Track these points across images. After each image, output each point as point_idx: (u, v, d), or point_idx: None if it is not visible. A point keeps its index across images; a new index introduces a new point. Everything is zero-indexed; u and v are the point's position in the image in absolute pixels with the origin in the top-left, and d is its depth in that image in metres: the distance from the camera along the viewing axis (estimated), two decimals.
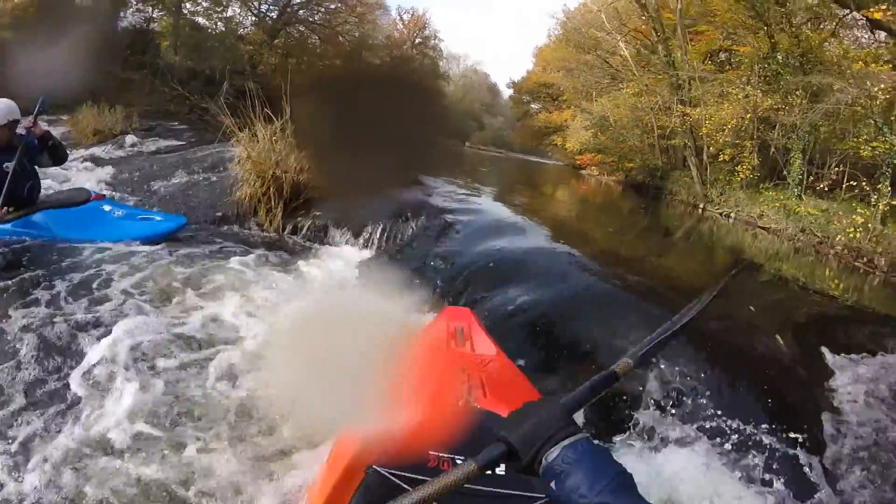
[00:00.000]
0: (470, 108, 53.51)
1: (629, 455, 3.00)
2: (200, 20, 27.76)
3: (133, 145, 11.65)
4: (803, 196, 14.15)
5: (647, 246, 9.28)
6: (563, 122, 35.41)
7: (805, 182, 14.40)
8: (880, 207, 11.50)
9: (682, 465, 2.90)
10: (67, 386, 3.00)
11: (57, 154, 5.20)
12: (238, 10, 28.96)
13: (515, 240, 6.01)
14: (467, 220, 6.55)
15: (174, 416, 2.87)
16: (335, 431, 2.28)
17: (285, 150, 6.32)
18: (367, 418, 1.63)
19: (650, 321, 4.01)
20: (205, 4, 27.06)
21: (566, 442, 1.06)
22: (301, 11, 30.69)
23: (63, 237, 5.03)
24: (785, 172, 14.99)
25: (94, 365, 3.17)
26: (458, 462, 1.67)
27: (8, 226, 4.81)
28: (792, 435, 3.12)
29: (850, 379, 3.64)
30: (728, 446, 3.02)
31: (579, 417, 3.18)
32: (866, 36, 15.03)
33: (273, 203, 6.24)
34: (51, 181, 7.04)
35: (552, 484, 1.04)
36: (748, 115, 15.59)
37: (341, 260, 5.76)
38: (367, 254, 6.00)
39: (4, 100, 4.71)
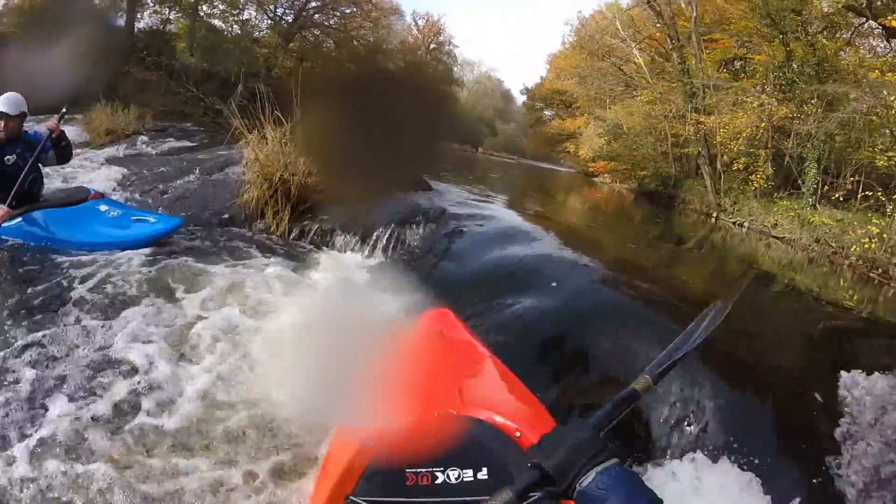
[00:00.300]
0: (483, 113, 53.56)
1: (640, 474, 2.95)
2: (216, 22, 27.94)
3: (145, 146, 11.68)
4: (818, 206, 14.05)
5: (658, 255, 9.20)
6: (576, 129, 35.37)
7: (820, 192, 14.31)
8: None
9: (693, 484, 2.84)
10: (58, 389, 2.98)
11: (64, 153, 5.31)
12: (254, 13, 29.13)
13: (525, 247, 5.93)
14: (477, 227, 6.50)
15: (167, 420, 2.85)
16: (330, 432, 2.32)
17: (294, 153, 6.29)
18: (361, 418, 1.67)
19: (660, 332, 3.95)
20: (221, 7, 27.21)
21: (600, 467, 1.05)
22: (316, 15, 30.82)
23: (56, 239, 4.98)
24: (799, 182, 14.89)
25: (82, 368, 3.16)
26: (438, 475, 1.77)
27: (4, 224, 4.80)
28: (805, 452, 3.06)
29: (864, 394, 3.57)
30: (740, 465, 2.95)
31: None
32: (882, 45, 14.94)
33: (280, 206, 6.20)
34: (59, 179, 7.06)
35: None
36: (763, 124, 15.52)
37: (347, 265, 5.71)
38: (373, 259, 5.95)
39: (15, 93, 4.85)
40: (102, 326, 3.64)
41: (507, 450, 1.90)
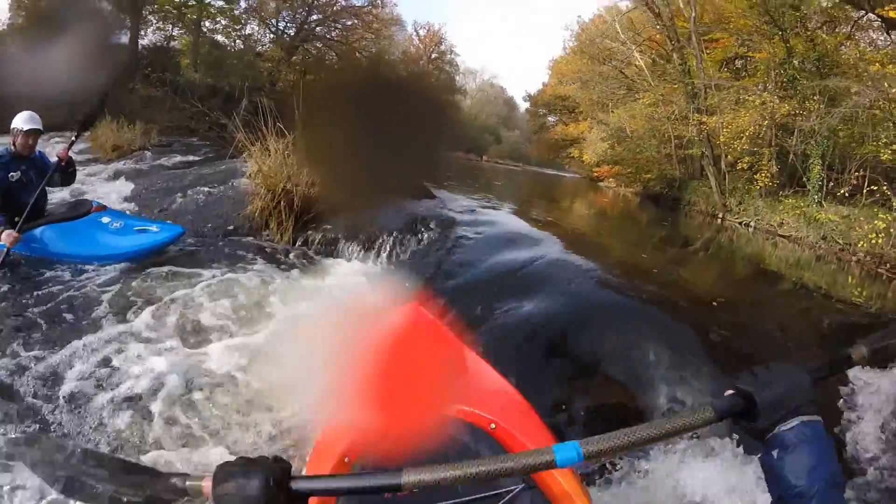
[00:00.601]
0: (487, 121, 53.61)
1: (651, 474, 2.93)
2: (220, 38, 28.21)
3: (150, 160, 11.80)
4: (823, 203, 13.97)
5: (665, 257, 9.18)
6: (579, 134, 35.33)
7: (825, 188, 14.23)
8: None
9: (703, 484, 2.82)
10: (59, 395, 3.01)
11: (69, 177, 5.49)
12: (256, 28, 29.40)
13: (528, 252, 5.95)
14: (480, 234, 6.52)
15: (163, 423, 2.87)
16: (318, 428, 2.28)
17: (297, 163, 6.33)
18: (347, 416, 1.63)
19: (666, 334, 3.95)
20: (224, 22, 27.48)
21: (806, 418, 1.01)
22: (318, 28, 30.99)
23: (61, 252, 5.07)
24: (804, 179, 14.83)
25: (83, 379, 3.19)
26: None
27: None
28: None
29: (874, 391, 3.54)
30: (749, 466, 2.93)
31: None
32: (882, 37, 14.87)
33: (284, 216, 6.23)
34: (66, 191, 7.12)
35: (773, 452, 1.01)
36: (765, 122, 15.47)
37: (350, 272, 5.74)
38: (376, 267, 5.98)
39: (30, 112, 5.01)
40: (105, 335, 3.70)
41: (482, 444, 1.93)
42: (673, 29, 19.27)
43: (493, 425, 2.00)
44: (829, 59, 14.85)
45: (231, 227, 6.40)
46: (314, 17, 30.35)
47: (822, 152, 14.26)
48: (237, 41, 28.67)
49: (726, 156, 17.46)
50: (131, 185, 8.76)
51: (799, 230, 13.95)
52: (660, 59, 23.29)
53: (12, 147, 5.02)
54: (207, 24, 27.07)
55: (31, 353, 3.41)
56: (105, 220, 5.37)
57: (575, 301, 4.61)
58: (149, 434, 2.82)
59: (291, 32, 30.10)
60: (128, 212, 6.83)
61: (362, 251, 6.12)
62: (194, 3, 25.77)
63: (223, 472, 0.93)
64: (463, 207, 7.87)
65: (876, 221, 11.46)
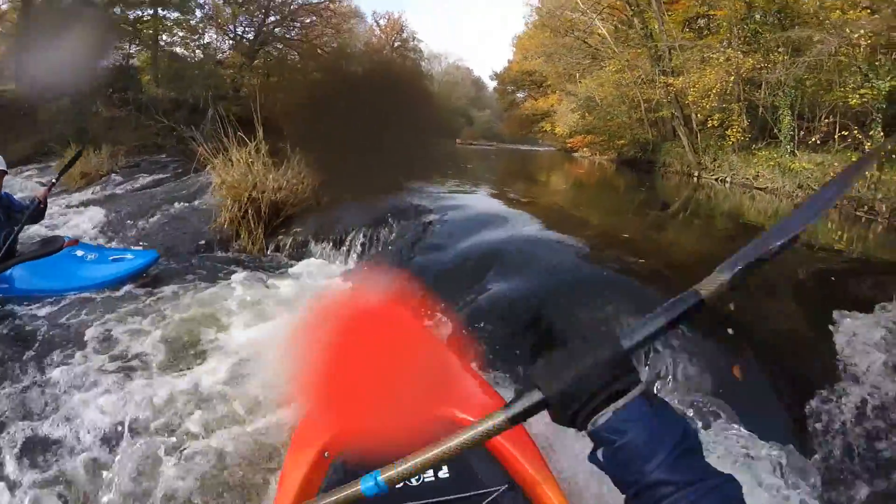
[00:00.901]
0: (456, 104, 53.42)
1: None
2: (179, 50, 27.83)
3: (118, 185, 11.67)
4: (796, 152, 14.04)
5: (644, 223, 9.19)
6: (549, 107, 35.43)
7: (797, 138, 14.29)
8: None
9: None
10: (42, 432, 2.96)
11: (38, 217, 5.45)
12: (215, 36, 29.11)
13: (502, 232, 5.88)
14: (453, 218, 6.45)
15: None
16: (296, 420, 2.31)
17: (262, 170, 6.27)
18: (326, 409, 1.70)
19: (647, 302, 3.91)
20: (181, 34, 27.13)
21: (620, 402, 0.84)
22: (277, 29, 30.74)
23: (37, 289, 5.01)
24: (776, 131, 14.90)
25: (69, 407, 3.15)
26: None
27: None
28: (800, 400, 3.04)
29: (858, 336, 3.54)
30: (729, 420, 2.92)
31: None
32: None
33: (253, 224, 6.18)
34: (38, 227, 7.03)
35: (599, 453, 0.87)
36: (732, 78, 15.50)
37: (323, 272, 5.70)
38: (348, 263, 5.94)
39: None
40: (87, 363, 3.64)
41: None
42: None
43: None
44: (790, 10, 14.86)
45: (203, 242, 6.34)
46: (272, 18, 30.12)
47: (790, 102, 14.33)
48: (196, 51, 28.42)
49: (696, 115, 17.57)
50: (102, 213, 8.64)
51: (774, 181, 14.03)
52: (622, 25, 23.24)
53: None
54: (164, 37, 26.74)
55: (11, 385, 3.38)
56: (79, 253, 5.34)
57: (552, 278, 4.54)
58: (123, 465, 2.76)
59: (250, 36, 29.88)
60: (101, 241, 6.77)
61: (333, 250, 6.07)
62: (149, 17, 25.44)
63: None
64: (434, 195, 7.77)
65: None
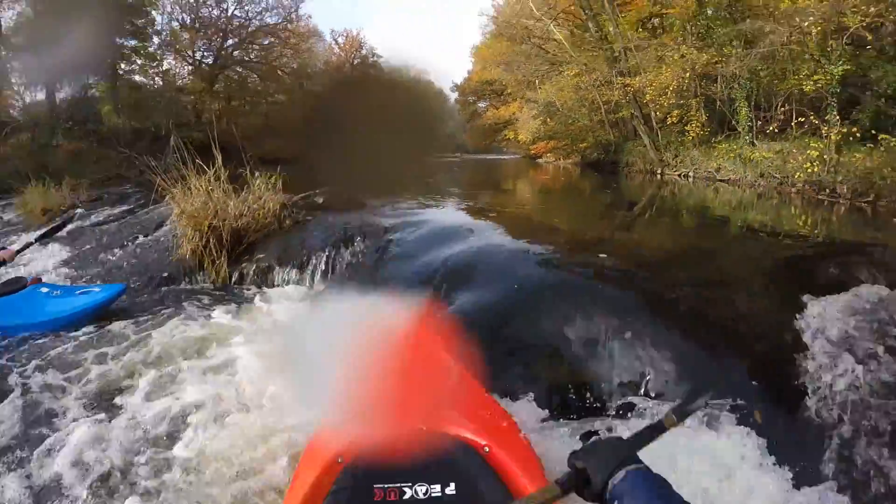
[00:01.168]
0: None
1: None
2: (138, 78, 27.37)
3: (80, 219, 11.41)
4: (756, 142, 14.29)
5: (609, 223, 9.23)
6: (511, 115, 35.61)
7: (755, 128, 14.55)
8: (832, 137, 11.58)
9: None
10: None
11: None
12: (173, 62, 28.76)
13: (468, 244, 5.83)
14: (416, 233, 6.39)
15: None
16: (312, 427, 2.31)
17: (222, 197, 6.17)
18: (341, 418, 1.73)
19: (617, 305, 3.91)
20: (139, 62, 26.70)
21: (632, 467, 1.16)
22: (236, 52, 30.60)
23: (2, 327, 4.85)
24: (734, 122, 15.14)
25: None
26: (406, 490, 1.82)
27: None
28: (774, 389, 3.05)
29: (822, 318, 3.56)
30: (706, 415, 2.90)
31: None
32: None
33: (216, 254, 6.06)
34: None
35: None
36: (688, 74, 15.73)
37: (288, 298, 5.61)
38: (313, 287, 5.87)
39: None
40: (56, 402, 3.54)
41: (474, 465, 1.97)
42: None
43: (486, 448, 2.03)
44: (741, 3, 15.14)
45: (166, 275, 6.21)
46: (230, 41, 30.01)
47: (746, 94, 14.59)
48: (156, 79, 28.01)
49: (655, 113, 17.82)
50: (66, 250, 8.44)
51: (736, 172, 14.29)
52: (577, 29, 23.49)
53: None
54: (123, 65, 26.30)
55: None
56: (44, 290, 5.22)
57: (519, 286, 4.48)
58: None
59: (210, 61, 29.65)
60: (64, 280, 6.61)
61: (297, 273, 5.98)
62: (105, 46, 25.03)
63: None
64: (396, 211, 7.71)
65: (809, 151, 11.76)
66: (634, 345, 3.42)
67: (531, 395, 3.32)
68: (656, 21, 21.32)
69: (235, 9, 29.73)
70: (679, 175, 16.68)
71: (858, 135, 11.41)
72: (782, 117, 14.10)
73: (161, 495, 2.68)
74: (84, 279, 6.64)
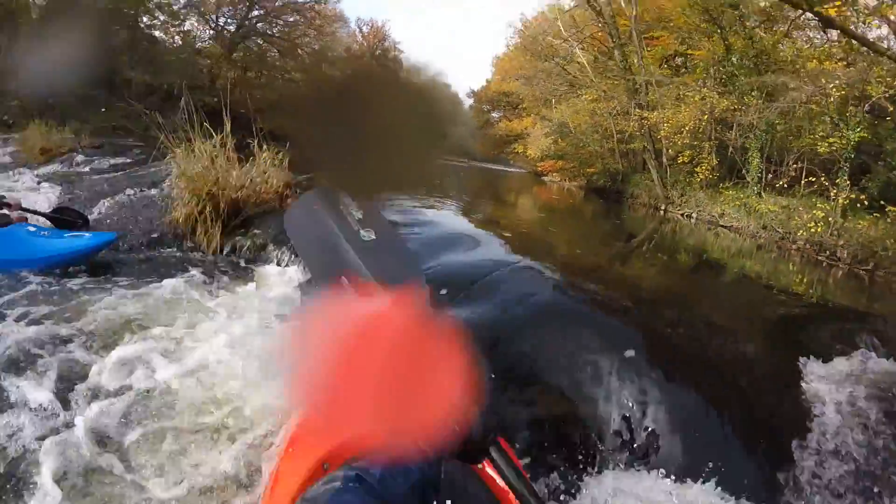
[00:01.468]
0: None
1: (596, 488, 2.76)
2: (157, 34, 27.12)
3: (79, 164, 11.26)
4: (763, 193, 14.30)
5: (608, 252, 9.14)
6: (523, 129, 35.62)
7: (764, 180, 14.58)
8: (840, 201, 11.61)
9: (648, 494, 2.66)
10: None
11: None
12: (196, 24, 28.50)
13: (466, 255, 5.74)
14: (416, 235, 6.27)
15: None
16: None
17: (225, 165, 6.02)
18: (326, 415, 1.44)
19: (610, 336, 3.79)
20: (162, 17, 26.43)
21: None
22: (259, 24, 30.30)
23: None
24: (744, 171, 15.16)
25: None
26: None
27: None
28: (765, 449, 2.94)
29: (822, 382, 3.47)
30: (696, 471, 2.76)
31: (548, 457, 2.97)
32: (819, 35, 15.21)
33: (210, 223, 5.91)
34: None
35: None
36: (705, 117, 15.75)
37: (281, 279, 5.47)
38: (306, 273, 5.73)
39: None
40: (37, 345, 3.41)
41: (466, 476, 1.79)
42: (614, 26, 19.45)
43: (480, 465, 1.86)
44: (768, 56, 15.18)
45: (156, 236, 6.05)
46: (256, 12, 29.69)
47: (760, 145, 14.61)
48: (176, 37, 27.74)
49: (667, 150, 17.80)
50: (57, 191, 8.29)
51: (740, 220, 14.27)
52: (602, 55, 23.51)
53: None
54: (145, 19, 26.03)
55: None
56: (31, 229, 5.07)
57: (513, 306, 4.35)
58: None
59: (232, 28, 29.36)
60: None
61: (293, 256, 5.83)
62: None
63: None
64: (401, 208, 7.61)
65: (815, 211, 11.77)
66: (625, 382, 3.31)
67: (517, 421, 3.21)
68: (680, 60, 21.35)
69: None
70: (682, 214, 16.66)
71: (866, 202, 11.43)
72: (793, 174, 14.13)
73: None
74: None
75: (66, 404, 2.93)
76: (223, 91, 6.72)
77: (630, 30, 19.11)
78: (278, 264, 5.80)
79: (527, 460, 2.90)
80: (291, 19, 31.22)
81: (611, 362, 3.45)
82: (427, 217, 7.62)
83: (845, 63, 13.10)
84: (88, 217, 6.22)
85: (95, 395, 3.06)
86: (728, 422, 3.11)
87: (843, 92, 12.04)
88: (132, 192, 7.34)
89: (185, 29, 28.04)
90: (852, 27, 12.15)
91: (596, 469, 2.88)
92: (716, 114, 15.58)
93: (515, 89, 36.49)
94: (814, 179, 13.07)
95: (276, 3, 30.24)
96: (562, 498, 2.68)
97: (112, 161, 11.49)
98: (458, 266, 5.33)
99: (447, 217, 8.59)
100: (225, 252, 5.95)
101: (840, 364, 3.66)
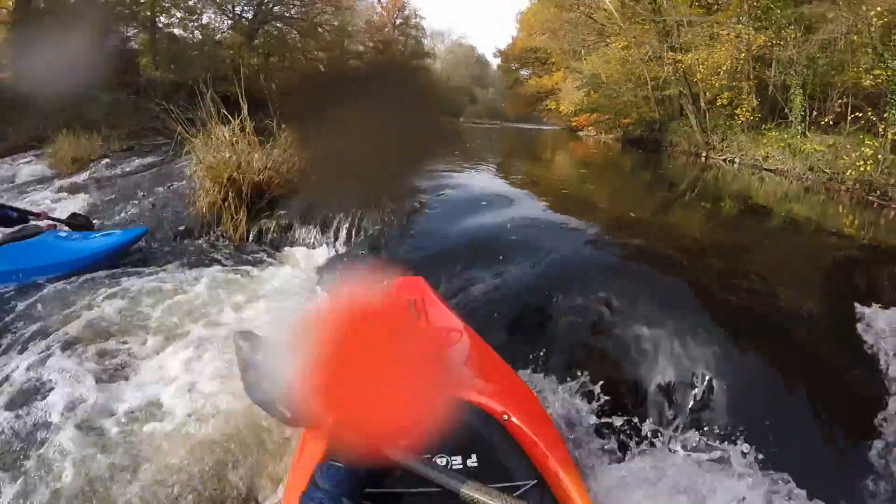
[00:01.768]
0: (461, 83, 52.82)
1: (643, 459, 2.60)
2: (177, 31, 27.34)
3: (107, 168, 11.43)
4: (807, 133, 13.75)
5: (651, 204, 8.90)
6: (554, 85, 35.09)
7: (808, 118, 14.00)
8: (889, 137, 11.01)
9: (693, 469, 2.50)
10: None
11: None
12: (213, 16, 28.59)
13: (505, 214, 5.63)
14: (452, 199, 6.23)
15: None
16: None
17: (246, 149, 5.97)
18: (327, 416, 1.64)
19: (657, 291, 3.64)
20: (179, 15, 26.63)
21: None
22: (276, 8, 30.27)
23: (21, 269, 4.73)
24: (786, 110, 14.60)
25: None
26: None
27: None
28: (839, 422, 2.72)
29: (882, 328, 3.26)
30: (751, 442, 2.58)
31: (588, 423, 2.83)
32: None
33: (235, 208, 5.86)
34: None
35: None
36: (742, 55, 15.23)
37: (308, 260, 5.46)
38: (335, 249, 5.67)
39: None
40: (70, 349, 3.42)
41: (495, 435, 1.92)
42: None
43: (505, 416, 1.99)
44: None
45: (183, 228, 6.07)
46: None
47: (802, 82, 14.02)
48: (195, 32, 27.91)
49: (705, 93, 17.29)
50: (89, 198, 8.41)
51: (784, 162, 13.75)
52: (629, 0, 22.82)
53: None
54: (163, 18, 26.26)
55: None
56: (62, 234, 5.19)
57: (556, 264, 4.27)
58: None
59: (249, 15, 29.44)
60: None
61: (319, 234, 5.78)
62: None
63: None
64: (433, 173, 7.50)
65: (863, 148, 11.19)
66: (673, 337, 3.11)
67: (555, 375, 3.12)
68: None
69: None
70: (724, 160, 16.17)
71: None
72: (838, 110, 13.51)
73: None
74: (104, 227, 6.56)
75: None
76: (238, 76, 6.65)
77: None
78: (306, 245, 5.77)
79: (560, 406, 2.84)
80: None
81: (659, 317, 3.27)
82: (460, 181, 7.59)
83: None
84: (119, 218, 6.31)
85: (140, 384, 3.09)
86: (792, 390, 2.88)
87: (885, 20, 11.40)
88: (160, 188, 7.42)
89: (203, 22, 28.25)
90: None
91: (635, 438, 2.73)
92: (753, 51, 15.02)
93: (543, 44, 35.85)
94: (860, 115, 12.40)
95: None
96: (600, 469, 2.52)
97: (141, 161, 11.68)
98: (497, 227, 5.28)
99: (482, 180, 8.56)
100: (251, 237, 5.94)
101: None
